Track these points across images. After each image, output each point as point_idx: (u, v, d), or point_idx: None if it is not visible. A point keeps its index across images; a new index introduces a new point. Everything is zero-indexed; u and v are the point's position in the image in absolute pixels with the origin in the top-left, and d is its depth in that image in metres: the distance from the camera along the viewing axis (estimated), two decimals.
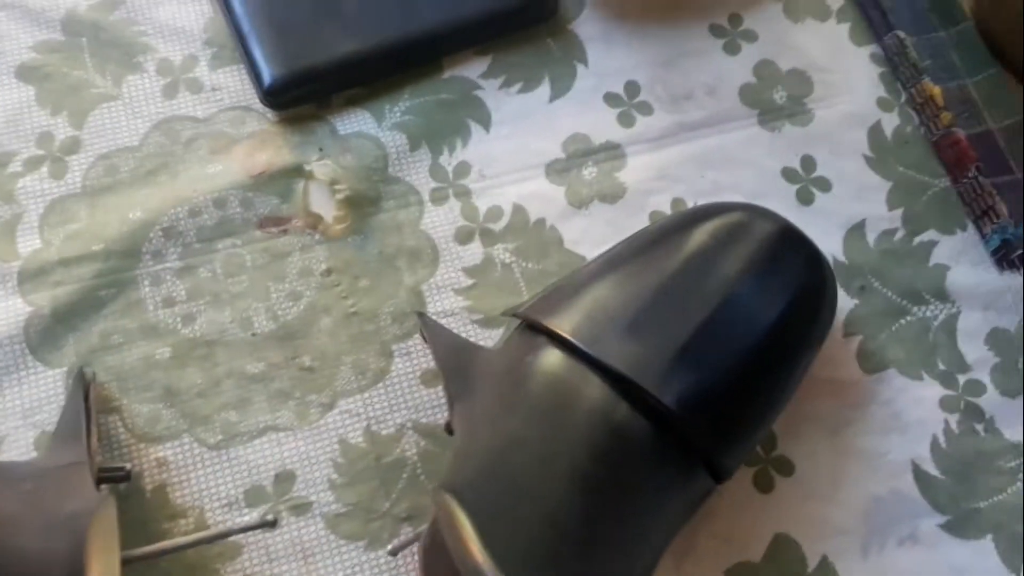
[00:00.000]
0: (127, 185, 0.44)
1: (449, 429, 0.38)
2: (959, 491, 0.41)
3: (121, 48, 0.47)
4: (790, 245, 0.39)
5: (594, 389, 0.33)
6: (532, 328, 0.37)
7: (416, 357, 0.42)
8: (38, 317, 0.41)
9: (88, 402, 0.37)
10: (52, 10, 0.48)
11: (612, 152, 0.48)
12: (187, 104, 0.47)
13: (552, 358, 0.35)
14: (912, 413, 0.43)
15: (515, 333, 0.38)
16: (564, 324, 0.35)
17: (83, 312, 0.41)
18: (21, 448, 0.38)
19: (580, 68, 0.50)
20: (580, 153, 0.48)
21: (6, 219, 0.43)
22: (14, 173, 0.44)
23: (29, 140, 0.45)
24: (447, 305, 0.43)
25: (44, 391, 0.40)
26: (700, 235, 0.38)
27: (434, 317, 0.43)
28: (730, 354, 0.36)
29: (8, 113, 0.45)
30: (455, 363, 0.38)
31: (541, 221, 0.46)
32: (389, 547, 0.37)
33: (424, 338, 0.42)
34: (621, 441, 0.33)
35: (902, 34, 0.50)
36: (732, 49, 0.51)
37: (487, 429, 0.34)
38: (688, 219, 0.40)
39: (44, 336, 0.40)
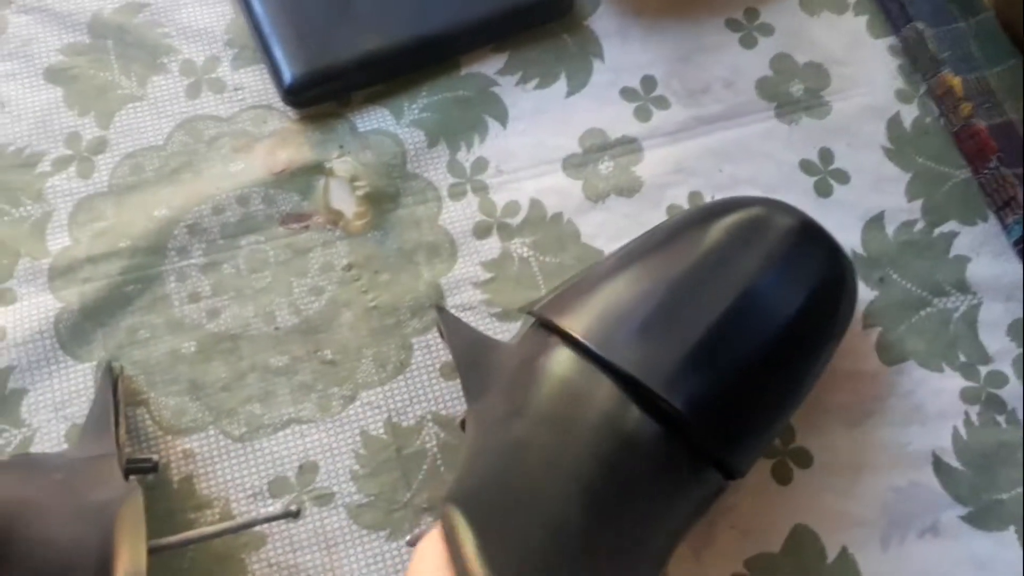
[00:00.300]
0: (152, 183, 0.45)
1: (464, 426, 0.38)
2: (980, 483, 0.41)
3: (145, 50, 0.48)
4: (809, 240, 0.39)
5: (604, 393, 0.33)
6: (545, 326, 0.37)
7: (436, 350, 0.43)
8: (68, 313, 0.42)
9: (116, 395, 0.38)
10: (78, 13, 0.49)
11: (629, 146, 0.48)
12: (210, 104, 0.47)
13: (563, 359, 0.34)
14: (932, 405, 0.43)
15: (529, 330, 0.38)
16: (576, 324, 0.35)
17: (111, 308, 0.42)
18: (53, 440, 0.39)
19: (596, 63, 0.50)
20: (597, 148, 0.48)
21: (36, 217, 0.44)
22: (43, 173, 0.45)
23: (58, 140, 0.46)
24: (465, 299, 0.44)
25: (74, 385, 0.40)
26: (716, 231, 0.38)
27: (453, 311, 0.44)
28: (745, 353, 0.35)
29: (37, 114, 0.46)
30: (471, 359, 0.38)
31: (558, 215, 0.46)
32: (408, 537, 0.37)
33: (441, 333, 0.42)
34: (629, 448, 0.32)
35: (921, 25, 0.50)
36: (748, 43, 0.51)
37: (495, 432, 0.34)
38: (704, 215, 0.39)
39: (74, 331, 0.41)
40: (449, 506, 0.31)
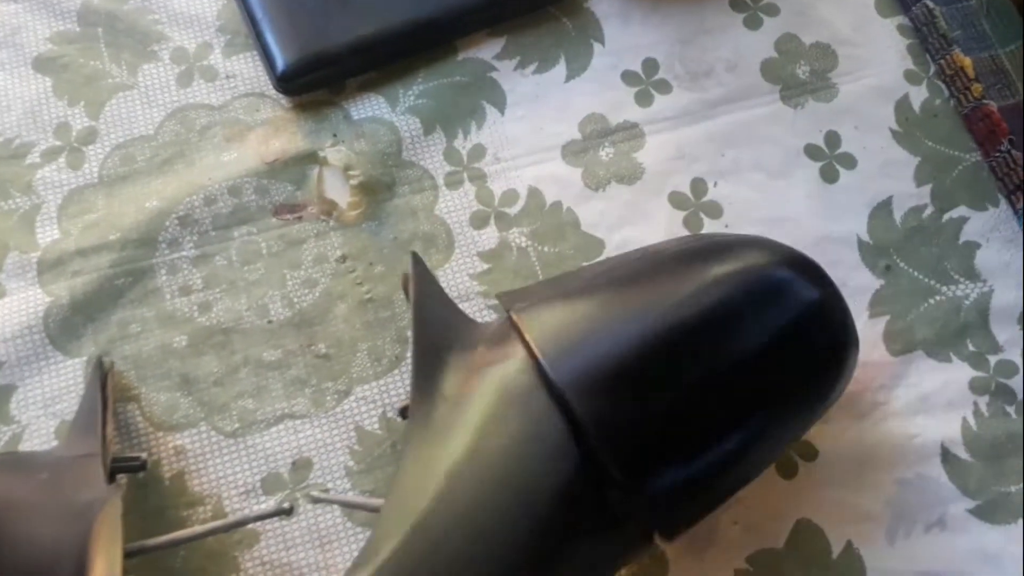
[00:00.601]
0: (143, 174, 0.44)
1: (404, 414, 0.36)
2: (989, 475, 0.40)
3: (136, 37, 0.47)
4: (819, 315, 0.34)
5: (539, 406, 0.31)
6: (514, 326, 0.34)
7: None
8: (57, 307, 0.41)
9: (105, 391, 0.37)
10: (68, 1, 0.48)
11: (630, 132, 0.47)
12: (202, 92, 0.47)
13: (511, 369, 0.32)
14: (941, 395, 0.42)
15: (499, 325, 0.36)
16: (536, 329, 0.32)
17: (101, 302, 0.41)
18: (42, 437, 0.39)
19: (596, 47, 0.49)
20: (597, 134, 0.47)
21: (25, 210, 0.43)
22: (32, 164, 0.44)
23: (47, 131, 0.45)
24: (462, 290, 0.43)
25: (64, 381, 0.40)
26: (715, 282, 0.33)
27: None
28: (703, 424, 0.32)
29: (26, 104, 0.45)
30: (435, 331, 0.35)
31: (557, 204, 0.45)
32: None
33: (406, 293, 0.39)
34: (540, 466, 0.30)
35: (931, 3, 0.48)
36: (753, 23, 0.49)
37: (428, 459, 0.31)
38: (707, 253, 0.35)
39: (63, 326, 0.41)
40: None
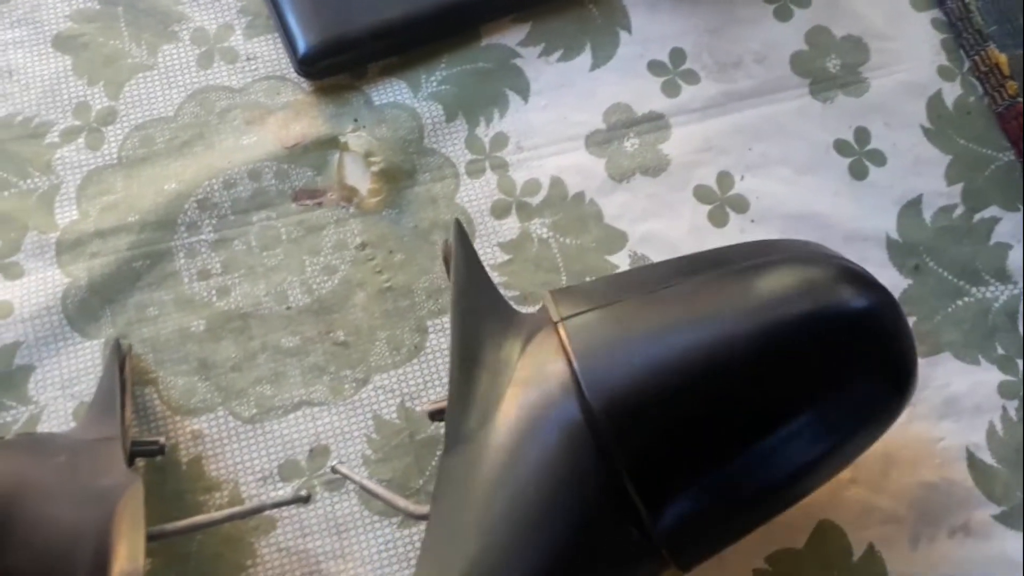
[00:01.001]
0: (162, 156, 0.44)
1: (435, 416, 0.35)
2: (1016, 481, 0.40)
3: (156, 17, 0.47)
4: (884, 366, 0.32)
5: (569, 417, 0.30)
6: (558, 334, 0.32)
7: None
8: (75, 288, 0.41)
9: (123, 374, 0.37)
10: None
11: (656, 123, 0.46)
12: (222, 74, 0.46)
13: (551, 375, 0.31)
14: (968, 399, 0.41)
15: (542, 311, 0.34)
16: (578, 339, 0.31)
17: (119, 284, 0.41)
18: (60, 418, 0.39)
19: (623, 35, 0.48)
20: (622, 124, 0.46)
21: (44, 190, 0.43)
22: (52, 144, 0.44)
23: (67, 111, 0.45)
24: None
25: (82, 362, 0.40)
26: (780, 323, 0.31)
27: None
28: (750, 492, 0.31)
29: (46, 83, 0.45)
30: (474, 335, 0.34)
31: (580, 195, 0.45)
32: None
33: (446, 265, 0.38)
34: (568, 481, 0.29)
35: None
36: (783, 15, 0.48)
37: (464, 478, 0.31)
38: (774, 283, 0.32)
39: (81, 307, 0.41)
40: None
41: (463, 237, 0.37)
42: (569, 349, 0.31)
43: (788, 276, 0.32)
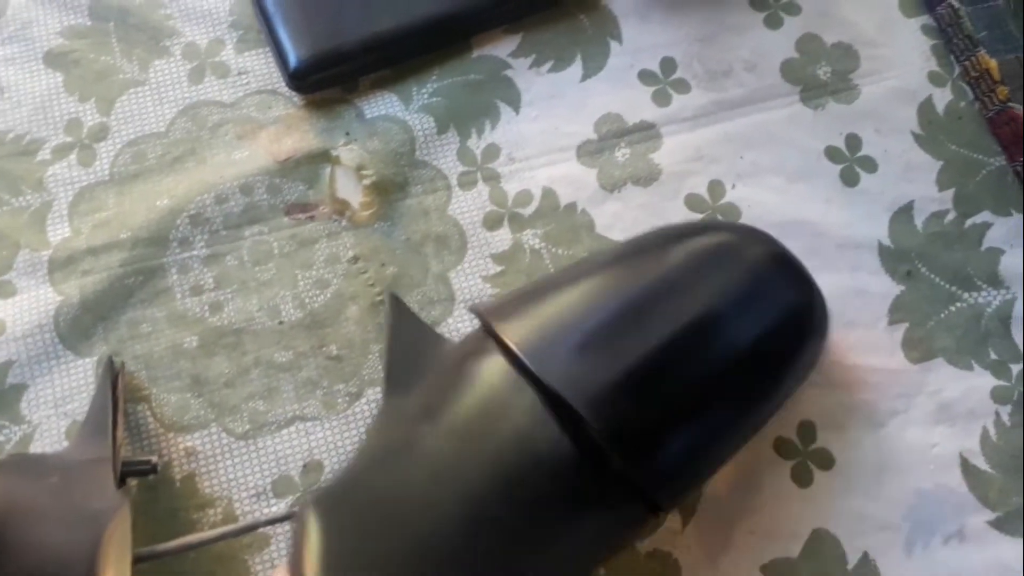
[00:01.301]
0: (154, 172, 0.44)
1: None
2: (1010, 486, 0.40)
3: (147, 32, 0.47)
4: (777, 272, 0.36)
5: (524, 406, 0.31)
6: (487, 328, 0.34)
7: None
8: (68, 306, 0.41)
9: (116, 392, 0.37)
10: None
11: (647, 132, 0.46)
12: (213, 88, 0.46)
13: (493, 366, 0.32)
14: (961, 404, 0.41)
15: (474, 331, 0.36)
16: (512, 332, 0.33)
17: (112, 301, 0.41)
18: (53, 437, 0.39)
19: (614, 45, 0.48)
20: (613, 134, 0.46)
21: (36, 207, 0.43)
22: (43, 161, 0.44)
23: (58, 127, 0.45)
24: (475, 292, 0.43)
25: (74, 380, 0.40)
26: (677, 253, 0.35)
27: (461, 305, 0.42)
28: (685, 383, 0.32)
29: (37, 100, 0.45)
30: (406, 351, 0.37)
31: (572, 205, 0.45)
32: None
33: (385, 316, 0.40)
34: (536, 466, 0.30)
35: (956, 3, 0.47)
36: (774, 23, 0.48)
37: (396, 433, 0.32)
38: (670, 236, 0.37)
39: (74, 325, 0.41)
40: (306, 507, 0.29)
41: (397, 301, 0.40)
42: (501, 333, 0.33)
43: (689, 227, 0.38)
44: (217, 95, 0.46)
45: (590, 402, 0.31)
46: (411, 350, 0.37)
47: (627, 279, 0.35)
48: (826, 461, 0.40)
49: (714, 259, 0.35)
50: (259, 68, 0.47)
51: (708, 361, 0.33)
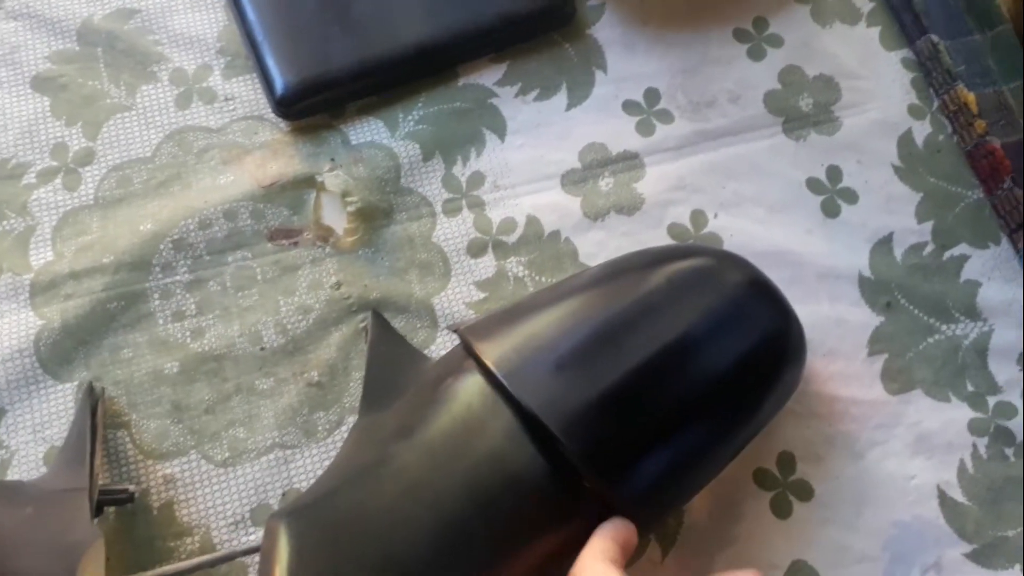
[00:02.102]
0: (139, 197, 0.44)
1: None
2: (987, 519, 0.40)
3: (135, 58, 0.47)
4: (755, 297, 0.36)
5: (500, 425, 0.31)
6: (466, 348, 0.35)
7: None
8: (48, 330, 0.41)
9: (95, 419, 0.37)
10: (68, 20, 0.47)
11: (630, 162, 0.46)
12: (200, 114, 0.46)
13: (471, 384, 0.33)
14: (939, 436, 0.41)
15: (453, 349, 0.37)
16: (490, 351, 0.33)
17: (93, 326, 0.41)
18: (31, 463, 0.38)
19: (599, 75, 0.48)
20: (597, 163, 0.46)
21: (19, 231, 0.43)
22: (28, 185, 0.44)
23: (44, 151, 0.45)
24: (458, 319, 0.43)
25: (54, 406, 0.40)
26: (656, 277, 0.35)
27: (444, 331, 0.42)
28: (661, 406, 0.33)
29: (23, 124, 0.45)
30: (385, 369, 0.37)
31: (556, 233, 0.45)
32: None
33: (366, 337, 0.40)
34: (511, 485, 0.30)
35: (935, 38, 0.48)
36: (757, 54, 0.49)
37: (371, 449, 0.32)
38: (649, 259, 0.38)
39: (54, 350, 0.40)
40: (277, 521, 0.29)
41: (377, 316, 0.41)
42: (479, 352, 0.33)
43: (663, 252, 0.39)
44: (204, 120, 0.46)
45: (565, 423, 0.31)
46: (390, 367, 0.37)
47: (606, 301, 0.35)
48: (806, 492, 0.40)
49: (692, 283, 0.36)
50: (246, 94, 0.47)
51: (684, 385, 0.33)
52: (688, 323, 0.34)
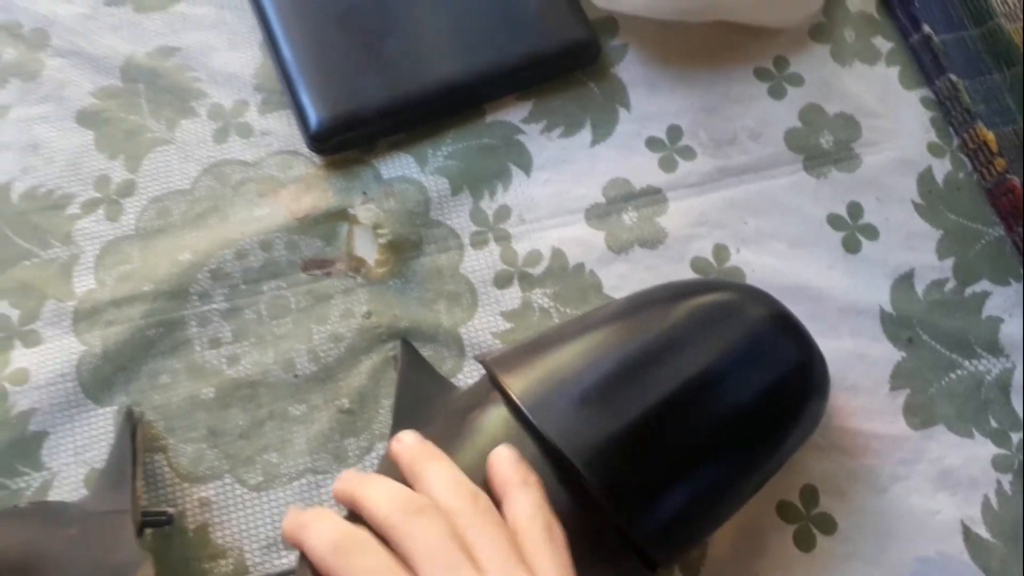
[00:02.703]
0: (178, 227, 0.46)
1: None
2: (1012, 556, 0.40)
3: (175, 94, 0.49)
4: (778, 333, 0.36)
5: (524, 457, 0.32)
6: (492, 378, 0.35)
7: None
8: (90, 356, 0.42)
9: (135, 442, 0.38)
10: (112, 57, 0.49)
11: (653, 197, 0.48)
12: (237, 148, 0.48)
13: (495, 417, 0.33)
14: (963, 472, 0.42)
15: (480, 379, 0.37)
16: (516, 383, 0.33)
17: (133, 352, 0.42)
18: (72, 485, 0.40)
19: (622, 112, 0.50)
20: (621, 198, 0.47)
21: (63, 260, 0.44)
22: (73, 215, 0.46)
23: (87, 183, 0.46)
24: (485, 348, 0.44)
25: (95, 429, 0.41)
26: (680, 311, 0.36)
27: (472, 360, 0.43)
28: (685, 441, 0.33)
29: (69, 157, 0.47)
30: (414, 397, 0.38)
31: (580, 266, 0.46)
32: None
33: (395, 366, 0.41)
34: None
35: (954, 77, 0.49)
36: (778, 93, 0.50)
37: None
38: (673, 293, 0.38)
39: (95, 375, 0.42)
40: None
41: (408, 346, 0.42)
42: (505, 384, 0.34)
43: (691, 287, 0.39)
44: (240, 154, 0.48)
45: (588, 457, 0.31)
46: (419, 395, 0.38)
47: (630, 335, 0.35)
48: (829, 526, 0.40)
49: (715, 317, 0.36)
50: (281, 129, 0.49)
51: (707, 419, 0.34)
52: (712, 357, 0.34)
